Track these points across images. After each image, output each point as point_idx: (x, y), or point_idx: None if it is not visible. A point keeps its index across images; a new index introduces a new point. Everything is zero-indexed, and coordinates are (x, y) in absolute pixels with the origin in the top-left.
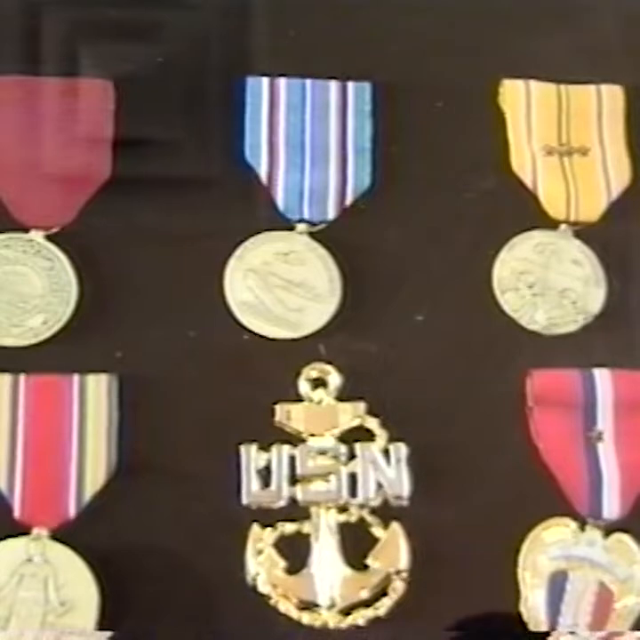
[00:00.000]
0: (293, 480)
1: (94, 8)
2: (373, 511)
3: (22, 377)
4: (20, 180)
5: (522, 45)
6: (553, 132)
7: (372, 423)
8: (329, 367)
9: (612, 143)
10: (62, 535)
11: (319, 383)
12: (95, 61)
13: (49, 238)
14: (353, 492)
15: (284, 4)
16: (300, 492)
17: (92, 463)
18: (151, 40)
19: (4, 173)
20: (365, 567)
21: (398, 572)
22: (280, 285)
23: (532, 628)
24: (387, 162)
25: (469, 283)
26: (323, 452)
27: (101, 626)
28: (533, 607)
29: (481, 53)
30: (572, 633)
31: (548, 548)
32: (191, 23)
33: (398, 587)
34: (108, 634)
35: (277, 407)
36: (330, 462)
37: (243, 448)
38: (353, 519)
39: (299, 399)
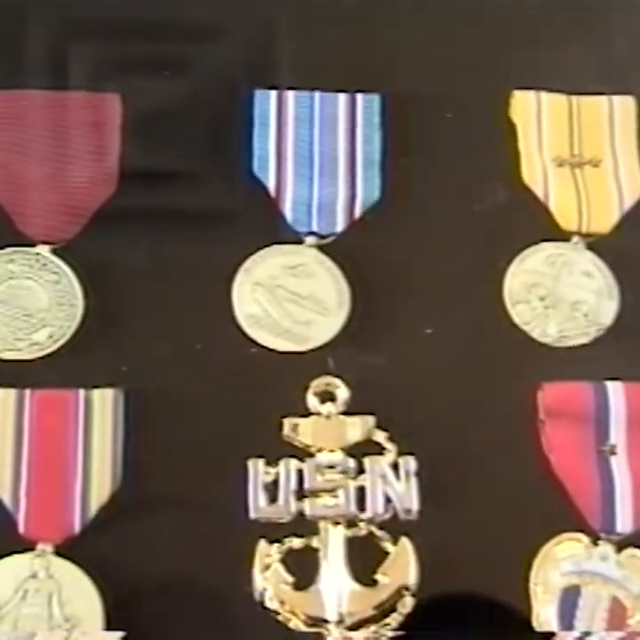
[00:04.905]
0: (301, 495)
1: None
2: (382, 526)
3: (27, 392)
4: (26, 195)
5: (533, 57)
6: (564, 143)
7: (381, 437)
8: (337, 381)
9: (625, 154)
10: (67, 551)
11: (327, 397)
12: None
13: (55, 252)
14: (362, 507)
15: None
16: (307, 507)
17: (97, 478)
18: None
19: (10, 187)
20: (374, 582)
21: (408, 588)
22: (288, 298)
23: None
24: (396, 174)
25: (480, 295)
26: (331, 467)
27: None
28: (545, 622)
29: (491, 65)
30: (586, 633)
31: (561, 563)
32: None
33: (407, 602)
34: (120, 634)
35: (285, 421)
36: (338, 477)
37: (250, 462)
38: (362, 534)
39: (307, 413)
